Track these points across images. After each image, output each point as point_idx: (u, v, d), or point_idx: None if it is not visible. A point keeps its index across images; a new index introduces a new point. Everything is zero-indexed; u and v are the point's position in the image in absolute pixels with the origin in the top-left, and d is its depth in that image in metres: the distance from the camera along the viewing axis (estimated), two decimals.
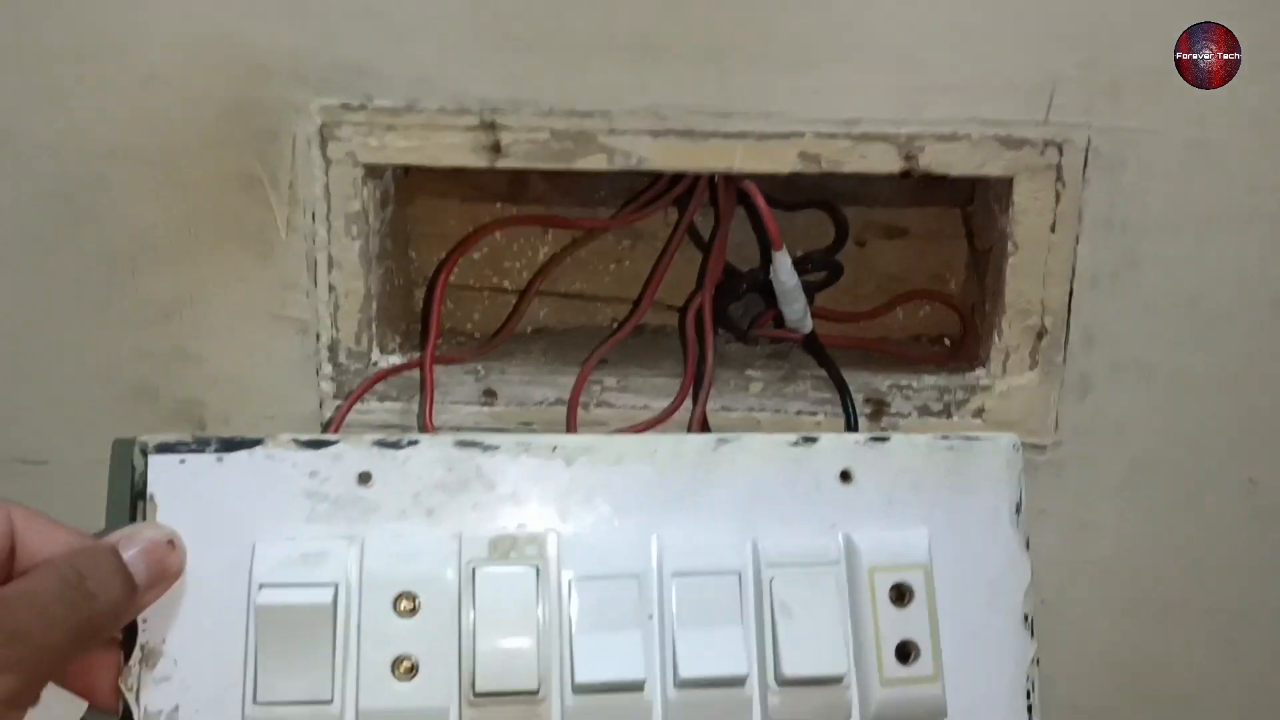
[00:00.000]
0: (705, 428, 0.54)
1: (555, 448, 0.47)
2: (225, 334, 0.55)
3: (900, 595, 0.46)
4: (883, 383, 0.56)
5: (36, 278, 0.55)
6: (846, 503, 0.47)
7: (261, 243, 0.54)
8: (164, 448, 0.45)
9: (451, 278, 0.64)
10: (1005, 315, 0.54)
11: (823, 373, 0.56)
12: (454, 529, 0.46)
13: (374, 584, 0.45)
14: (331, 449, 0.46)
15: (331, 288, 0.55)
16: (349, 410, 0.55)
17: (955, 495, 0.48)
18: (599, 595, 0.45)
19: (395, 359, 0.57)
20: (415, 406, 0.56)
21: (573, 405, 0.55)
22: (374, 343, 0.56)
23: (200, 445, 0.46)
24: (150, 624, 0.44)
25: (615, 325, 0.65)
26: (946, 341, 0.63)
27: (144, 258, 0.54)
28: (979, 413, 0.55)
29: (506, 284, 0.64)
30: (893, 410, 0.56)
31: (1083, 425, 0.55)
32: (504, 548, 0.45)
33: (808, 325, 0.56)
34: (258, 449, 0.46)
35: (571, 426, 0.55)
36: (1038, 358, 0.54)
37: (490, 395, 0.56)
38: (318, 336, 0.55)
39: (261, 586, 0.44)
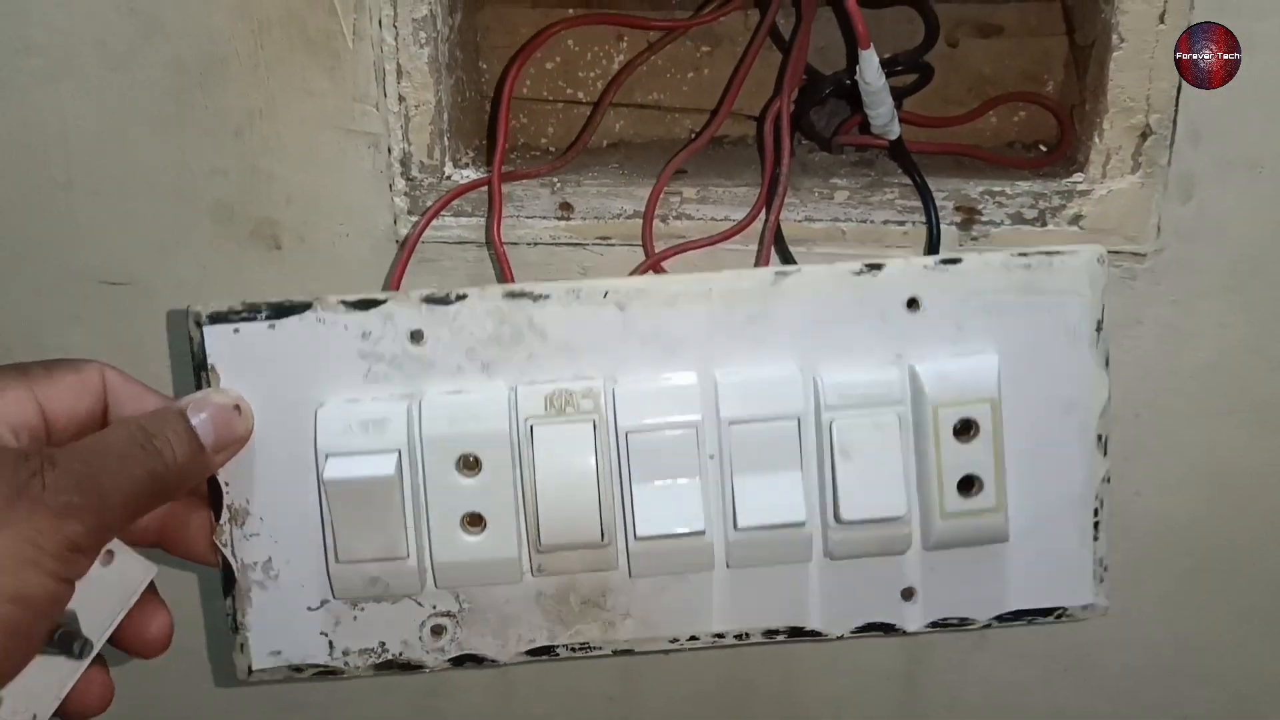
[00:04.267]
0: (779, 240, 0.53)
1: (607, 293, 0.46)
2: (297, 149, 0.54)
3: (966, 429, 0.45)
4: (974, 189, 0.53)
5: (109, 94, 0.54)
6: (914, 331, 0.46)
7: (329, 52, 0.53)
8: (217, 317, 0.46)
9: (524, 90, 0.62)
10: (1107, 114, 0.51)
11: (910, 181, 0.54)
12: (510, 382, 0.46)
13: (435, 447, 0.45)
14: (381, 309, 0.46)
15: (401, 98, 0.53)
16: (424, 229, 0.54)
17: (1031, 316, 0.46)
18: (656, 446, 0.45)
19: (469, 173, 0.56)
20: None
21: (648, 217, 0.54)
22: (447, 156, 0.55)
23: (251, 312, 0.46)
24: (233, 486, 0.46)
25: (693, 135, 0.62)
26: (1042, 148, 0.59)
27: (212, 70, 0.53)
28: (1076, 219, 0.53)
29: (581, 95, 0.62)
30: (984, 218, 0.53)
31: (1185, 229, 0.52)
32: (559, 403, 0.45)
33: (895, 130, 0.53)
34: (308, 313, 0.46)
35: (647, 239, 0.54)
36: (1140, 159, 0.51)
37: (566, 209, 0.55)
38: (389, 150, 0.54)
39: (328, 457, 0.45)
